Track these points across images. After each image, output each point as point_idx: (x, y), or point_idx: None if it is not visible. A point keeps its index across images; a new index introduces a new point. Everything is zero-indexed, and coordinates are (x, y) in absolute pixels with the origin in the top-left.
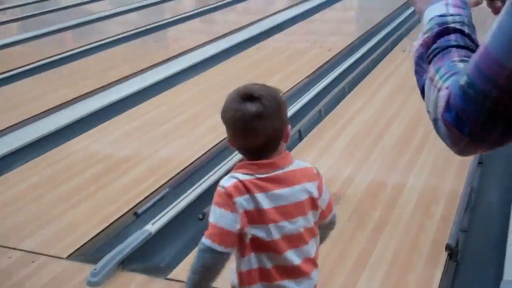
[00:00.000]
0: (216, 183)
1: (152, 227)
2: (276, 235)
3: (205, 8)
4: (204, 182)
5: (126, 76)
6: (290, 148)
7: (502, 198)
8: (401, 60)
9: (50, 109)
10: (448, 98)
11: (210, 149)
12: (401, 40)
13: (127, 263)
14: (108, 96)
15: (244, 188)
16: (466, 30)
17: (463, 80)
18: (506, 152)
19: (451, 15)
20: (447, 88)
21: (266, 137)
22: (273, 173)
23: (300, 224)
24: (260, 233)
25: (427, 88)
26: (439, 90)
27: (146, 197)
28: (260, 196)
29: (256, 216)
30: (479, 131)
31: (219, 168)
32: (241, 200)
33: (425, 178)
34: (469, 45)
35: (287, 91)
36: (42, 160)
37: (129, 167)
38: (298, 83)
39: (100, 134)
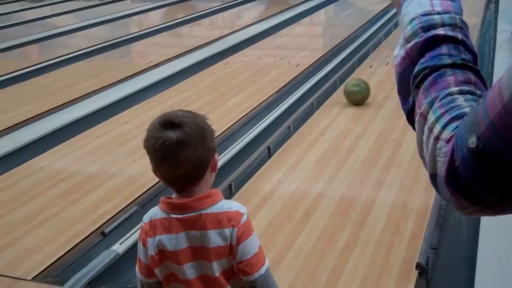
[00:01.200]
0: None
1: (119, 247)
2: (189, 276)
3: (172, 22)
4: None
5: (92, 92)
6: (260, 165)
7: (470, 217)
8: (368, 76)
9: (14, 125)
10: (452, 160)
11: None
12: (367, 56)
13: (95, 284)
14: (74, 112)
15: (155, 229)
16: (460, 36)
17: (472, 141)
18: None
19: (438, 13)
20: (448, 142)
21: (188, 167)
22: (186, 215)
23: (206, 270)
24: (169, 271)
25: (419, 127)
26: (436, 139)
27: (114, 216)
28: (166, 238)
29: (162, 257)
30: (495, 203)
31: None
32: (151, 240)
33: (395, 195)
34: (466, 60)
35: (255, 107)
36: (5, 178)
37: (96, 185)
38: (266, 99)
39: (65, 151)
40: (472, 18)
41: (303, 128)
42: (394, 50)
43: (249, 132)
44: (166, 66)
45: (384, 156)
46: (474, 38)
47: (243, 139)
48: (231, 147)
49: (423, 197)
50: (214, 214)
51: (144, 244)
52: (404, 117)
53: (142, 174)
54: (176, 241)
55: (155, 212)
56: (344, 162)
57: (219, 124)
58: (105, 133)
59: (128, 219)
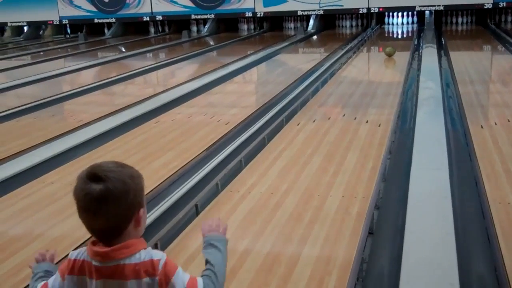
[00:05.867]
0: None
1: None
2: None
3: (105, 81)
4: None
5: (20, 152)
6: (187, 224)
7: (391, 268)
8: (295, 134)
9: None
10: None
11: None
12: (295, 114)
13: None
14: (0, 172)
15: (78, 268)
16: None
17: None
18: (395, 221)
19: None
20: None
21: (107, 221)
22: (105, 264)
23: None
24: None
25: None
26: None
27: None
28: (86, 280)
29: None
30: None
31: None
32: (69, 278)
33: (319, 251)
34: None
35: (184, 165)
36: None
37: (21, 246)
38: (195, 157)
39: None
40: (397, 74)
41: (231, 186)
42: (321, 108)
43: (177, 190)
44: (97, 125)
45: (309, 212)
46: (398, 94)
47: (171, 197)
48: (158, 206)
49: (346, 251)
50: (132, 265)
51: (62, 278)
52: (329, 172)
53: (68, 234)
54: (95, 286)
55: (82, 252)
56: (270, 219)
57: (147, 182)
58: (31, 193)
59: None
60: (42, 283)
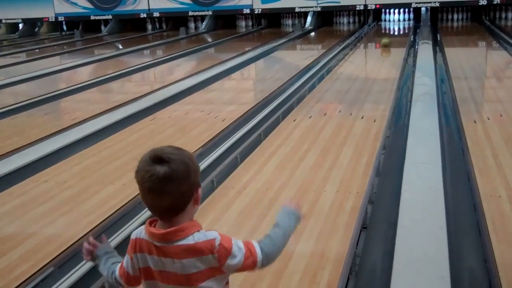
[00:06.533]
0: None
1: None
2: None
3: (102, 78)
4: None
5: (13, 150)
6: None
7: (384, 262)
8: (291, 130)
9: None
10: None
11: (97, 226)
12: (292, 110)
13: None
14: None
15: (139, 247)
16: None
17: None
18: (388, 216)
19: None
20: None
21: (172, 200)
22: (162, 245)
23: None
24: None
25: None
26: None
27: (30, 277)
28: (150, 258)
29: (148, 274)
30: None
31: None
32: (136, 256)
33: (312, 246)
34: None
35: None
36: None
37: (12, 246)
38: None
39: None
40: (393, 71)
41: (226, 182)
42: (318, 104)
43: None
44: (92, 123)
45: (304, 207)
46: (393, 90)
47: None
48: None
49: (340, 245)
50: (186, 246)
51: (130, 257)
52: (324, 168)
53: (61, 233)
54: (158, 263)
55: (141, 231)
56: (265, 214)
57: None
58: (24, 192)
59: (44, 280)
60: (118, 265)
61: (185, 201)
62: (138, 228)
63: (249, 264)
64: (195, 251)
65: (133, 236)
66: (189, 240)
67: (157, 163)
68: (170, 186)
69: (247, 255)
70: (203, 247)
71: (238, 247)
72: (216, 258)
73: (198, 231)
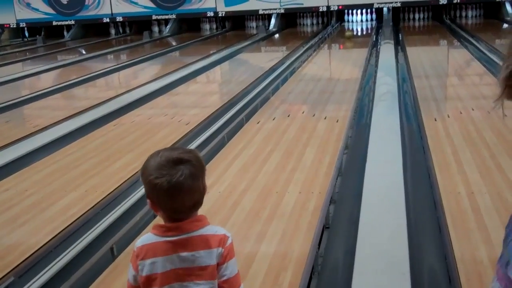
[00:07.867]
0: (65, 267)
1: None
2: None
3: (65, 84)
4: (52, 267)
5: None
6: (147, 224)
7: (345, 261)
8: (255, 132)
9: None
10: None
11: (58, 233)
12: (255, 112)
13: None
14: None
15: (145, 253)
16: None
17: None
18: (350, 215)
19: None
20: None
21: (199, 195)
22: (179, 237)
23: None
24: None
25: None
26: None
27: None
28: (156, 261)
29: (150, 280)
30: None
31: (68, 252)
32: (141, 264)
33: (275, 247)
34: None
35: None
36: None
37: None
38: None
39: None
40: (355, 71)
41: None
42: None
43: (137, 191)
44: (54, 129)
45: (267, 209)
46: (355, 90)
47: (131, 198)
48: (117, 207)
49: (302, 245)
50: (203, 236)
51: (135, 268)
52: (287, 169)
53: (22, 241)
54: (165, 263)
55: (148, 237)
56: (228, 218)
57: (106, 185)
58: None
59: None
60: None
61: (203, 195)
62: (140, 239)
63: (232, 283)
64: (211, 241)
65: (138, 244)
66: (207, 230)
67: (179, 164)
68: (197, 182)
69: (238, 276)
70: (218, 240)
71: (236, 263)
72: (221, 254)
73: (209, 224)
